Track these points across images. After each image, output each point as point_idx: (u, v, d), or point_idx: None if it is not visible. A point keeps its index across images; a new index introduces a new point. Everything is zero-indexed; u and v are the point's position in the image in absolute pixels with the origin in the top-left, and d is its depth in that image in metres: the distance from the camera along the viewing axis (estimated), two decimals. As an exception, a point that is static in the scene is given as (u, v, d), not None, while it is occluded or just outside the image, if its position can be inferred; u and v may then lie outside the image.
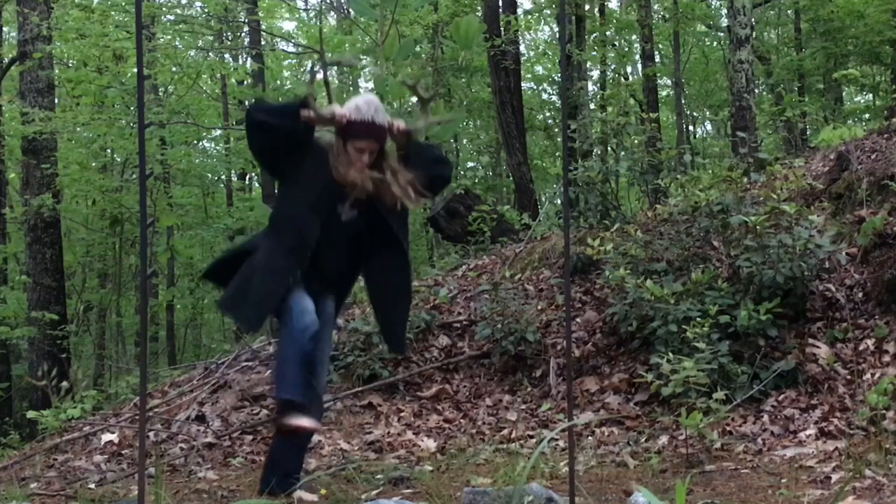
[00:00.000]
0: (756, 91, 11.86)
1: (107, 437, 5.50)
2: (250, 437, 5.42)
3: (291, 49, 15.67)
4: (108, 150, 14.64)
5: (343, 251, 4.05)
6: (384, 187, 3.91)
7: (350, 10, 11.58)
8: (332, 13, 19.08)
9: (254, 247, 4.05)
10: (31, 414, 6.26)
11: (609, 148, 9.89)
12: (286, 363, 3.81)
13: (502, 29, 12.87)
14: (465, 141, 19.79)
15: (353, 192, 3.91)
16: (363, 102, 3.89)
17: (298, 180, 3.95)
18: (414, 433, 5.37)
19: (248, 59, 16.64)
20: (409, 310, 4.49)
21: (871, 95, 16.67)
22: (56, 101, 12.51)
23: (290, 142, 3.86)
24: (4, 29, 15.20)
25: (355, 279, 4.34)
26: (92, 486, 4.69)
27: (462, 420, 5.62)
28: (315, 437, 5.36)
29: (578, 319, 6.38)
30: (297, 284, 3.89)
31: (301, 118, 3.82)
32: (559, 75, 17.52)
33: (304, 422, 3.72)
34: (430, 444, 5.13)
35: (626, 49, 18.57)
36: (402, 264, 4.13)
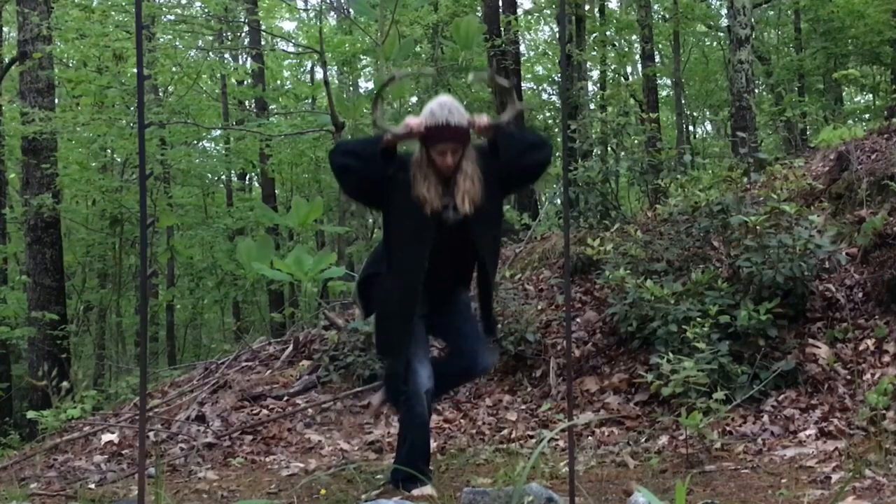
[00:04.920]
0: (756, 91, 11.86)
1: (107, 437, 5.51)
2: (250, 437, 5.42)
3: (291, 49, 15.66)
4: (108, 150, 14.66)
5: (457, 252, 4.04)
6: (455, 188, 3.85)
7: (350, 10, 11.57)
8: (332, 13, 19.06)
9: (376, 271, 4.06)
10: (31, 414, 6.27)
11: (609, 148, 9.88)
12: (420, 433, 4.00)
13: (502, 29, 12.86)
14: (465, 141, 19.75)
15: (439, 201, 3.82)
16: (437, 105, 3.81)
17: (398, 207, 3.87)
18: (414, 433, 5.36)
19: (248, 59, 16.65)
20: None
21: (871, 95, 16.68)
22: (56, 101, 12.52)
23: (378, 174, 3.81)
24: (4, 29, 15.20)
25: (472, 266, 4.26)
26: (92, 486, 4.69)
27: (462, 420, 5.61)
28: (315, 438, 5.38)
29: (578, 319, 6.38)
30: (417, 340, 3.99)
31: (383, 146, 3.77)
32: (559, 75, 17.53)
33: (427, 490, 3.87)
34: (430, 444, 5.13)
35: (626, 49, 18.56)
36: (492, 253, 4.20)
